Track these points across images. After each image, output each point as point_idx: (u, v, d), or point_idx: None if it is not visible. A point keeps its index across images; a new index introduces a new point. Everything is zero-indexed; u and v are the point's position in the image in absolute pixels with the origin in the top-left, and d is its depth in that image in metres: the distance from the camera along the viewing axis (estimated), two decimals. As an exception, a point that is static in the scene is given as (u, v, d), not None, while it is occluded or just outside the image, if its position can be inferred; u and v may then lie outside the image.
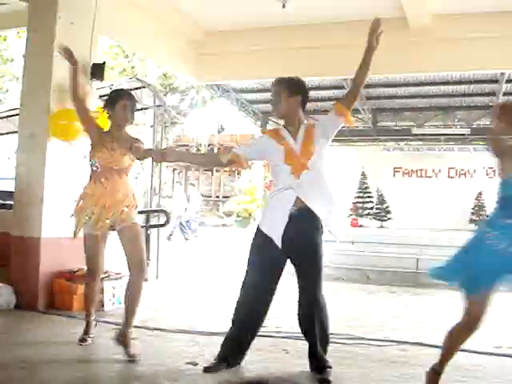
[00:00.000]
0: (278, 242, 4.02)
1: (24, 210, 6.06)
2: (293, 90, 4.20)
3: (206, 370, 4.02)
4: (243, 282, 4.17)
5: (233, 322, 4.19)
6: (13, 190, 6.39)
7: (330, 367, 4.05)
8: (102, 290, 6.05)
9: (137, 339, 4.79)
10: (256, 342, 4.64)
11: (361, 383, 3.90)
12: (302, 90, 4.26)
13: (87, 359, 4.23)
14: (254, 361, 4.19)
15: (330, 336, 5.09)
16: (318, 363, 4.06)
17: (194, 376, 3.90)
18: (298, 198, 4.03)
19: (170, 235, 16.89)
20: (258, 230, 4.14)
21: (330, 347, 4.73)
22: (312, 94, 13.13)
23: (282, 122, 4.37)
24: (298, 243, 4.02)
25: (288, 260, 4.11)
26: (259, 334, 4.94)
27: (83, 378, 3.76)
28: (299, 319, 4.15)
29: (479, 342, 5.19)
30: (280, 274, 4.12)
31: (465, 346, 4.88)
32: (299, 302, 4.13)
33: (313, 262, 4.06)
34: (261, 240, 4.10)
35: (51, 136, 6.00)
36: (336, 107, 4.17)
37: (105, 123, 4.85)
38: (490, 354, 4.81)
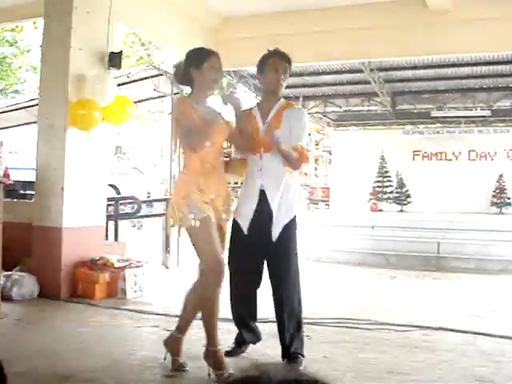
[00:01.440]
0: (245, 229, 3.94)
1: (45, 199, 6.09)
2: (290, 67, 4.04)
3: (227, 354, 4.00)
4: (229, 269, 4.08)
5: (231, 307, 4.18)
6: (33, 180, 6.44)
7: (301, 355, 3.94)
8: (124, 278, 6.09)
9: (158, 327, 4.83)
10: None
11: (384, 368, 3.88)
12: None
13: (111, 348, 4.26)
14: (278, 346, 4.17)
15: (352, 321, 5.12)
16: (287, 350, 3.96)
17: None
18: (262, 182, 3.90)
19: None
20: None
21: (353, 332, 4.74)
22: (329, 78, 13.20)
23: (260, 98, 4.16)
24: (269, 232, 3.87)
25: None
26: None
27: (108, 366, 3.78)
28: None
29: (501, 325, 5.17)
30: (263, 254, 3.98)
31: (487, 330, 4.90)
32: (272, 294, 4.01)
33: (283, 253, 3.90)
34: (236, 225, 4.03)
35: (70, 125, 6.02)
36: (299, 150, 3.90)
37: (122, 112, 4.72)
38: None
